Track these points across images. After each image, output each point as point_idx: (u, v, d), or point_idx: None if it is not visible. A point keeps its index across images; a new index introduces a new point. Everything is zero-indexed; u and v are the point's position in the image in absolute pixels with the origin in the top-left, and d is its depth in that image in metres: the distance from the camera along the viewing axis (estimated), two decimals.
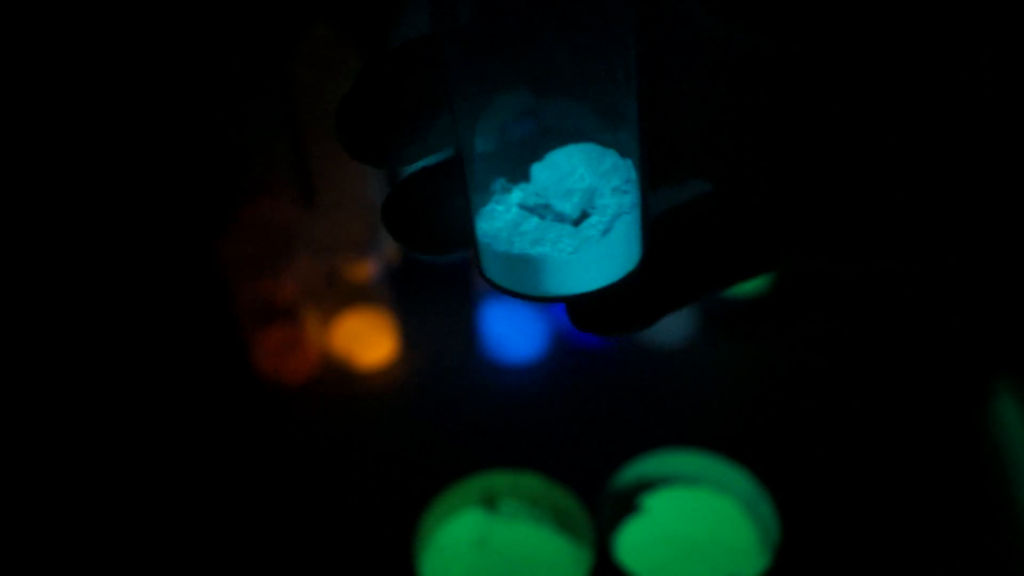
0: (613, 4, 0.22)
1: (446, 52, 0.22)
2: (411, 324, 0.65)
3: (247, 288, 0.59)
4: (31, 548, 0.55)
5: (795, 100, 0.24)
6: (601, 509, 0.51)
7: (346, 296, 0.62)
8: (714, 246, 0.26)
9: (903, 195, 0.26)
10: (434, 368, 0.64)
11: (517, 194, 0.24)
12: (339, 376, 0.63)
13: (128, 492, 0.57)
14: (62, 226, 0.68)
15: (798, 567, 0.51)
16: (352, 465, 0.58)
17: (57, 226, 0.68)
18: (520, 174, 0.24)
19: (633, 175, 0.24)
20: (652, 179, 0.24)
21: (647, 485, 0.53)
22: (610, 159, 0.24)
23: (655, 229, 0.25)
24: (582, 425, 0.60)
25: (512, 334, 0.63)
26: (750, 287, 0.65)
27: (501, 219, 0.24)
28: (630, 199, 0.24)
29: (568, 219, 0.24)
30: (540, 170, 0.24)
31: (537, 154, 0.24)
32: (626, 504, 0.53)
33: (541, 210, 0.24)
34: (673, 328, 0.64)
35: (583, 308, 0.24)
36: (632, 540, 0.52)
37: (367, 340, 0.63)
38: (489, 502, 0.53)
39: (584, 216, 0.24)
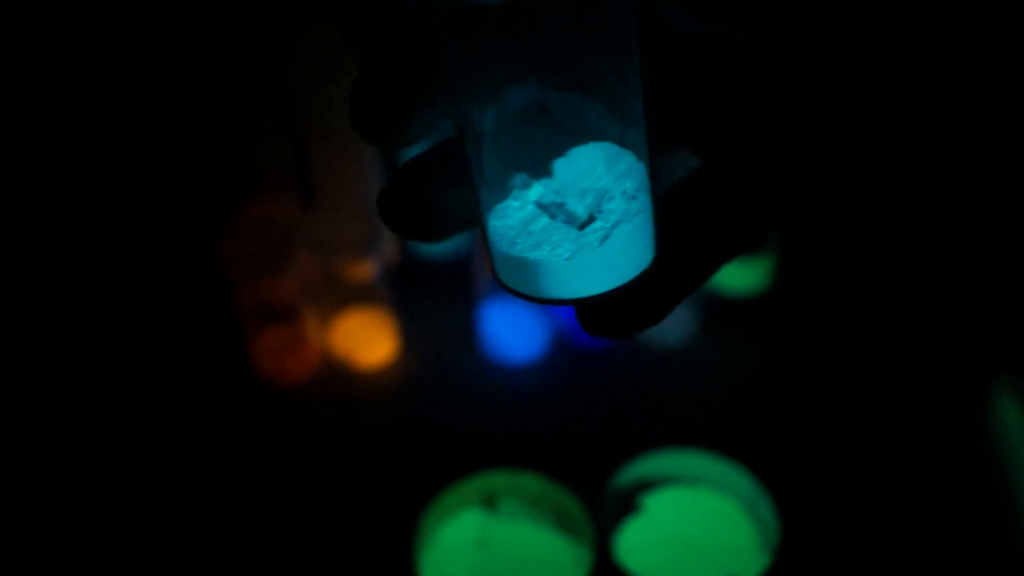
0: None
1: (445, 34, 0.22)
2: (411, 324, 0.65)
3: (247, 288, 0.59)
4: (31, 548, 0.55)
5: (780, 82, 0.25)
6: (601, 509, 0.51)
7: (346, 296, 0.62)
8: (711, 228, 0.26)
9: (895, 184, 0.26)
10: (434, 368, 0.64)
11: (537, 190, 0.24)
12: (339, 376, 0.63)
13: (128, 492, 0.57)
14: (63, 226, 0.68)
15: (798, 567, 0.51)
16: (352, 465, 0.58)
17: (58, 226, 0.68)
18: (539, 170, 0.24)
19: (646, 180, 0.24)
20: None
21: (647, 485, 0.53)
22: (626, 161, 0.24)
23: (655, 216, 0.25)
24: (582, 425, 0.60)
25: (512, 334, 0.63)
26: (750, 287, 0.65)
27: (514, 216, 0.24)
28: (638, 204, 0.24)
29: (577, 221, 0.24)
30: (561, 166, 0.24)
31: (555, 151, 0.24)
32: (626, 504, 0.53)
33: (555, 209, 0.24)
34: (673, 328, 0.64)
35: (591, 311, 0.24)
36: (632, 540, 0.52)
37: (367, 340, 0.63)
38: (489, 502, 0.53)
39: (591, 220, 0.24)
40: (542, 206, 0.24)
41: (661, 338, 0.64)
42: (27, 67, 0.63)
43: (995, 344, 0.62)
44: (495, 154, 0.23)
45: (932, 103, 0.24)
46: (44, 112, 0.66)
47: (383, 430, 0.60)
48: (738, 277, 0.65)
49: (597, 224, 0.24)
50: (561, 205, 0.24)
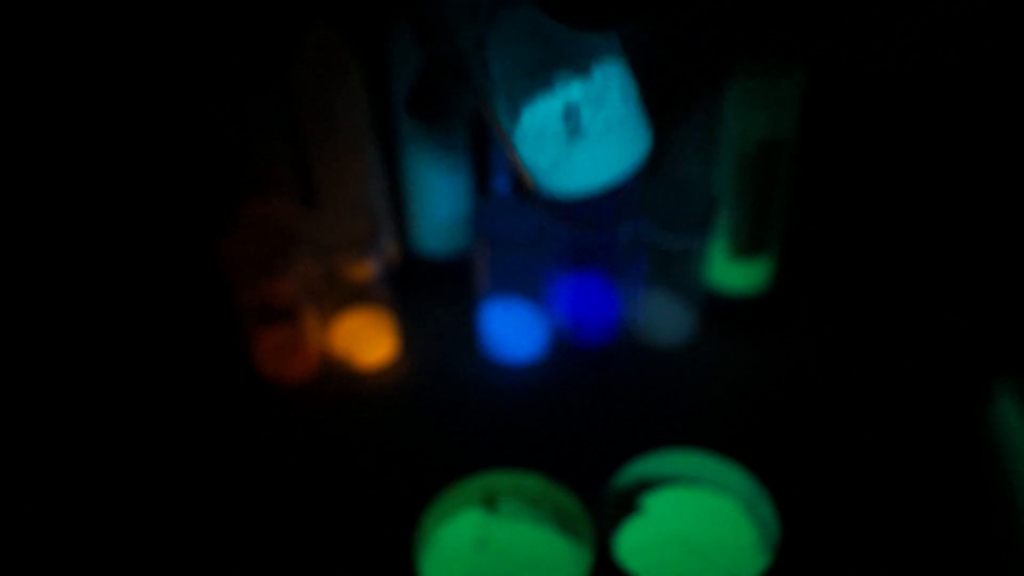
0: None
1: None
2: (411, 324, 0.65)
3: (247, 288, 0.59)
4: (31, 548, 0.55)
5: None
6: (601, 509, 0.51)
7: (346, 296, 0.62)
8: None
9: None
10: (434, 368, 0.64)
11: (577, 88, 0.29)
12: (339, 376, 0.63)
13: (128, 492, 0.57)
14: (63, 226, 0.68)
15: (798, 567, 0.51)
16: (352, 465, 0.58)
17: (58, 226, 0.68)
18: (574, 72, 0.29)
19: (631, 86, 0.30)
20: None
21: (647, 485, 0.53)
22: (630, 82, 0.29)
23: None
24: (582, 425, 0.60)
25: (512, 334, 0.63)
26: (750, 287, 0.65)
27: (542, 112, 0.29)
28: (629, 108, 0.30)
29: (577, 130, 0.29)
30: (596, 72, 0.28)
31: (579, 63, 0.28)
32: (626, 504, 0.53)
33: (574, 112, 0.29)
34: (673, 328, 0.64)
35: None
36: (632, 540, 0.52)
37: (367, 340, 0.64)
38: (489, 502, 0.53)
39: (584, 129, 0.29)
40: (570, 106, 0.29)
41: (661, 338, 0.64)
42: (28, 67, 0.63)
43: (995, 344, 0.63)
44: (511, 62, 0.29)
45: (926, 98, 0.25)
46: (45, 112, 0.66)
47: (383, 430, 0.60)
48: (738, 277, 0.65)
49: (590, 132, 0.29)
50: (578, 110, 0.29)
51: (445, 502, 0.52)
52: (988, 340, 0.63)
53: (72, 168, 0.68)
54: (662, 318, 0.64)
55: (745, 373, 0.63)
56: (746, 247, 0.63)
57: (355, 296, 0.62)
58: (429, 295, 0.67)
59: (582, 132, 0.30)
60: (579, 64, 0.29)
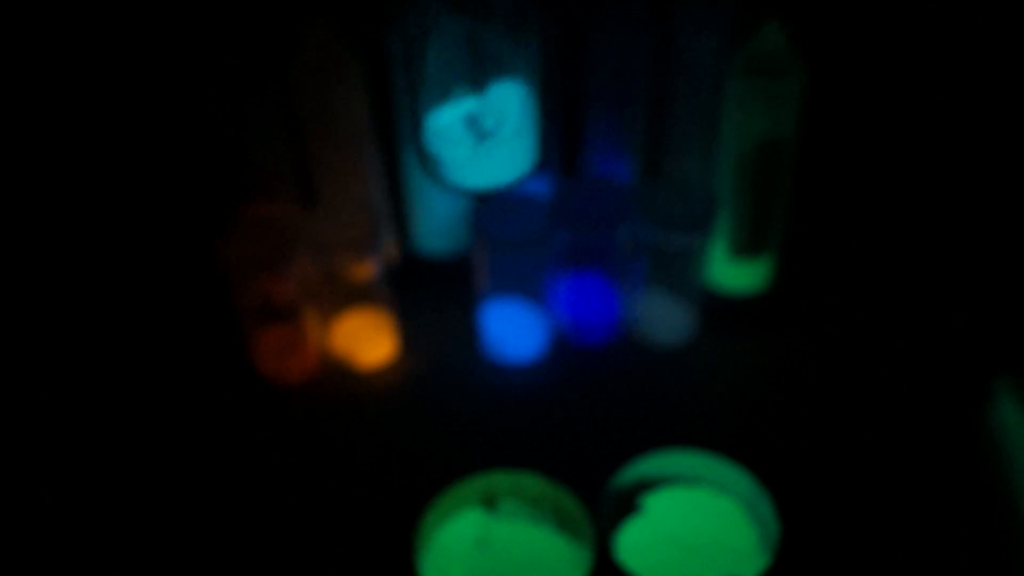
0: None
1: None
2: (411, 324, 0.65)
3: (247, 288, 0.59)
4: (31, 548, 0.55)
5: None
6: (601, 509, 0.51)
7: (346, 296, 0.62)
8: None
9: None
10: (434, 368, 0.64)
11: (471, 102, 0.34)
12: (339, 376, 0.63)
13: (128, 492, 0.57)
14: (63, 226, 0.68)
15: (798, 567, 0.51)
16: (352, 465, 0.58)
17: (58, 226, 0.68)
18: (473, 88, 0.34)
19: (536, 107, 0.35)
20: None
21: (647, 485, 0.53)
22: (531, 97, 0.34)
23: None
24: (582, 425, 0.60)
25: (512, 334, 0.63)
26: (750, 287, 0.65)
27: (445, 118, 0.35)
28: (527, 125, 0.35)
29: (482, 134, 0.34)
30: (493, 92, 0.34)
31: (480, 80, 0.33)
32: (626, 504, 0.53)
33: (471, 122, 0.35)
34: (673, 328, 0.64)
35: None
36: (632, 540, 0.52)
37: (367, 340, 0.64)
38: (489, 502, 0.53)
39: (490, 134, 0.34)
40: (468, 117, 0.34)
41: (661, 338, 0.64)
42: (28, 67, 0.63)
43: (995, 344, 0.63)
44: (436, 71, 0.33)
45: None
46: (45, 112, 0.66)
47: (383, 430, 0.60)
48: (738, 277, 0.65)
49: (492, 137, 0.34)
50: (475, 120, 0.34)
51: (445, 502, 0.52)
52: (988, 340, 0.63)
53: (72, 168, 0.68)
54: (662, 318, 0.64)
55: (745, 373, 0.63)
56: (746, 247, 0.63)
57: (355, 296, 0.62)
58: (429, 295, 0.67)
59: (486, 138, 0.35)
60: (480, 81, 0.34)
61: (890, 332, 0.64)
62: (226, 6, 0.58)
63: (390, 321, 0.64)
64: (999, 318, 0.64)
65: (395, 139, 0.61)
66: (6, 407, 0.61)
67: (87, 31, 0.63)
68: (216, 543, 0.55)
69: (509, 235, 0.57)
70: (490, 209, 0.59)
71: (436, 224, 0.65)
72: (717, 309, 0.65)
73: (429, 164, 0.37)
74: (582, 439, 0.59)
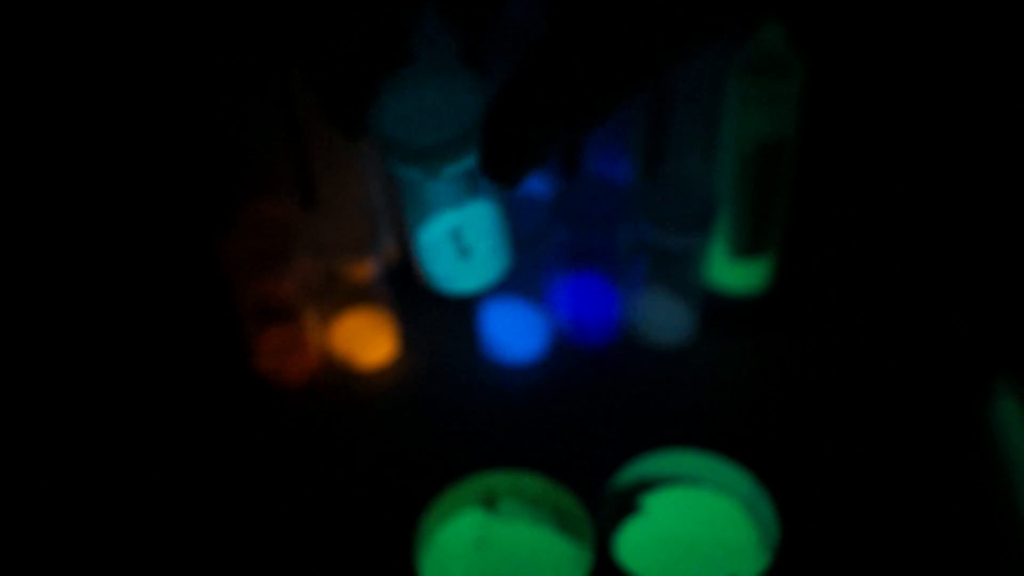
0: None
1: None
2: (411, 324, 0.65)
3: (247, 288, 0.59)
4: (31, 548, 0.55)
5: None
6: (601, 509, 0.51)
7: (346, 296, 0.62)
8: None
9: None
10: (434, 368, 0.64)
11: (452, 217, 0.40)
12: (339, 376, 0.63)
13: (127, 492, 0.57)
14: (62, 226, 0.68)
15: (798, 567, 0.51)
16: (352, 465, 0.58)
17: (57, 226, 0.68)
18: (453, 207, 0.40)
19: (505, 224, 0.42)
20: None
21: (647, 485, 0.53)
22: (500, 217, 0.41)
23: None
24: (582, 425, 0.60)
25: (512, 334, 0.63)
26: (750, 287, 0.65)
27: (432, 233, 0.41)
28: (499, 241, 0.42)
29: (463, 249, 0.41)
30: (469, 211, 0.40)
31: (465, 200, 0.40)
32: (626, 504, 0.53)
33: (454, 238, 0.41)
34: (673, 328, 0.64)
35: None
36: (632, 540, 0.52)
37: (367, 340, 0.64)
38: (489, 502, 0.53)
39: (470, 249, 0.41)
40: (453, 233, 0.41)
41: (661, 338, 0.64)
42: (27, 66, 0.63)
43: (995, 344, 0.63)
44: (427, 198, 0.40)
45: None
46: (44, 111, 0.66)
47: (383, 430, 0.60)
48: (738, 277, 0.65)
49: (473, 251, 0.41)
50: (458, 236, 0.41)
51: (445, 502, 0.52)
52: (989, 340, 0.63)
53: (72, 168, 0.68)
54: (662, 318, 0.64)
55: (745, 373, 0.63)
56: (746, 247, 0.63)
57: (355, 296, 0.62)
58: (429, 295, 0.67)
59: (468, 251, 0.42)
60: (463, 200, 0.40)
61: (890, 332, 0.64)
62: (226, 6, 0.58)
63: (390, 321, 0.64)
64: (999, 318, 0.64)
65: None
66: (4, 407, 0.61)
67: (86, 30, 0.63)
68: (216, 543, 0.55)
69: (509, 235, 0.57)
70: None
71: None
72: (717, 309, 0.65)
73: (421, 271, 0.43)
74: (582, 439, 0.59)
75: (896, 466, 0.57)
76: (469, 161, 0.36)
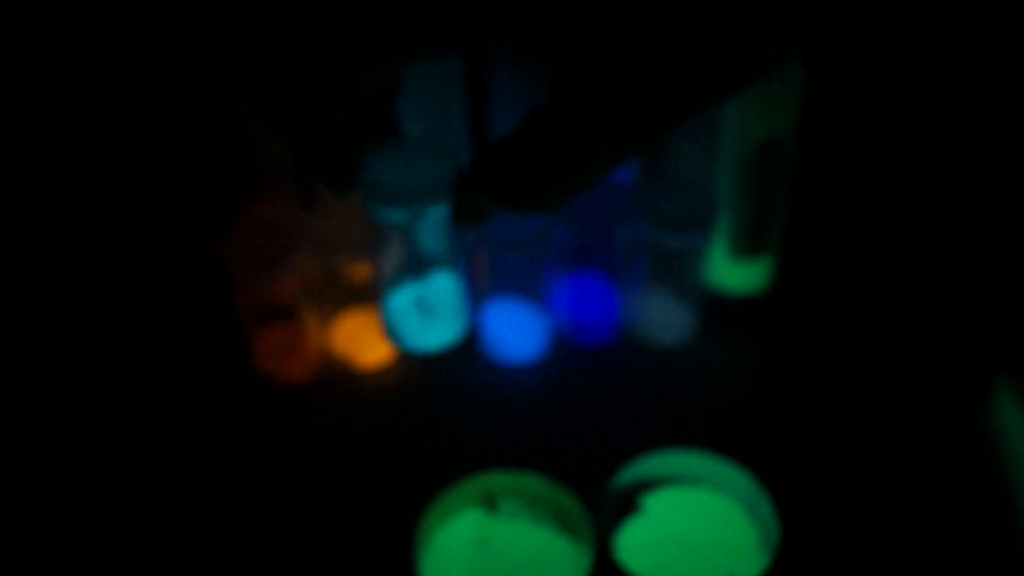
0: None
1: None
2: None
3: (247, 288, 0.59)
4: (30, 548, 0.55)
5: None
6: (601, 509, 0.51)
7: (346, 296, 0.62)
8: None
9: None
10: (434, 368, 0.64)
11: (418, 286, 0.49)
12: (339, 376, 0.63)
13: (127, 492, 0.57)
14: (61, 226, 0.68)
15: (798, 567, 0.51)
16: (352, 465, 0.58)
17: (56, 226, 0.68)
18: (421, 279, 0.50)
19: (463, 288, 0.51)
20: None
21: (647, 485, 0.53)
22: (456, 281, 0.50)
23: None
24: (582, 425, 0.60)
25: (512, 334, 0.63)
26: (750, 287, 0.65)
27: (400, 300, 0.50)
28: (458, 304, 0.51)
29: (425, 311, 0.50)
30: (433, 280, 0.49)
31: (426, 272, 0.49)
32: (626, 504, 0.53)
33: (420, 301, 0.50)
34: (673, 328, 0.64)
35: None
36: (632, 540, 0.52)
37: (367, 340, 0.64)
38: (489, 502, 0.53)
39: (431, 309, 0.50)
40: (419, 299, 0.49)
41: (661, 338, 0.64)
42: (26, 66, 0.63)
43: (995, 344, 0.63)
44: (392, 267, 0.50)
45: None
46: (43, 111, 0.66)
47: (383, 430, 0.60)
48: (738, 277, 0.65)
49: (434, 313, 0.49)
50: (423, 300, 0.49)
51: (445, 502, 0.52)
52: (988, 340, 0.63)
53: (71, 168, 0.68)
54: (662, 318, 0.64)
55: (745, 373, 0.63)
56: (746, 247, 0.63)
57: (355, 296, 0.62)
58: None
59: (431, 314, 0.49)
60: (426, 271, 0.48)
61: (890, 332, 0.64)
62: (226, 6, 0.58)
63: None
64: (998, 318, 0.64)
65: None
66: (4, 407, 0.61)
67: (86, 29, 0.63)
68: (216, 543, 0.55)
69: (509, 234, 0.57)
70: None
71: None
72: (717, 309, 0.65)
73: (386, 329, 0.52)
74: (582, 439, 0.59)
75: (896, 466, 0.57)
76: (441, 209, 0.43)
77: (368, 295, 0.62)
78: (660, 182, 0.61)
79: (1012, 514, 0.55)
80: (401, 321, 0.51)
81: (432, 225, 0.46)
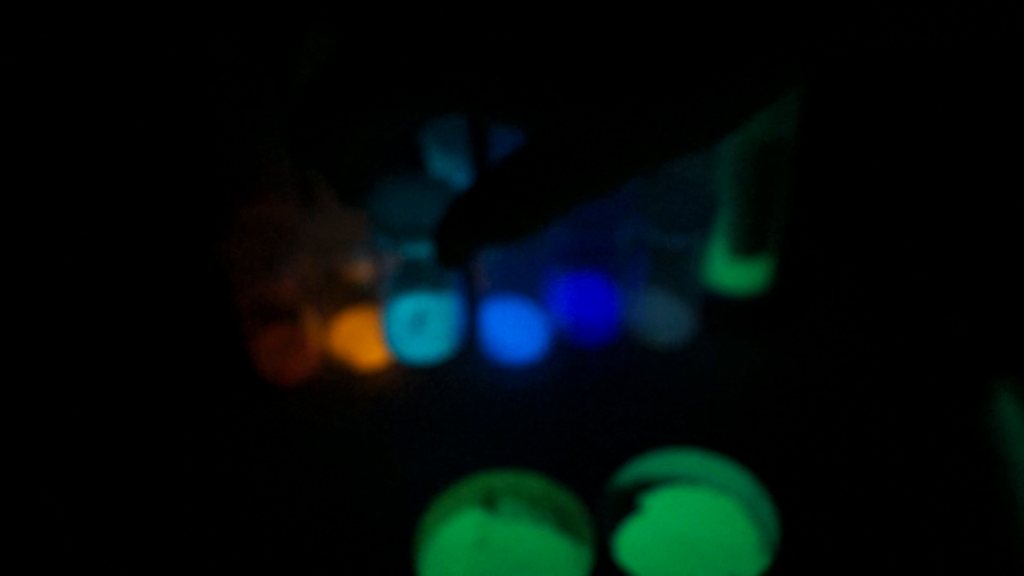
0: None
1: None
2: None
3: (247, 288, 0.59)
4: (30, 548, 0.55)
5: None
6: (601, 509, 0.51)
7: (346, 296, 0.62)
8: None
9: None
10: (434, 368, 0.64)
11: (419, 301, 0.53)
12: (339, 376, 0.63)
13: (127, 492, 0.57)
14: (61, 227, 0.68)
15: (798, 567, 0.51)
16: (352, 465, 0.58)
17: (56, 227, 0.68)
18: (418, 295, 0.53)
19: (459, 307, 0.54)
20: None
21: (647, 485, 0.53)
22: (454, 300, 0.53)
23: None
24: (582, 425, 0.60)
25: (512, 334, 0.63)
26: (750, 287, 0.65)
27: (400, 311, 0.54)
28: (453, 321, 0.54)
29: (421, 325, 0.53)
30: (430, 296, 0.52)
31: (423, 290, 0.53)
32: (626, 504, 0.53)
33: (417, 316, 0.53)
34: (673, 328, 0.64)
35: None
36: (632, 540, 0.52)
37: (367, 340, 0.64)
38: (489, 502, 0.53)
39: (425, 323, 0.53)
40: (417, 310, 0.53)
41: (661, 338, 0.64)
42: (25, 66, 0.63)
43: (995, 344, 0.63)
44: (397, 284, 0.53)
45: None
46: (42, 112, 0.66)
47: (383, 430, 0.60)
48: (738, 277, 0.65)
49: (428, 328, 0.53)
50: (422, 316, 0.53)
51: (445, 502, 0.52)
52: (988, 340, 0.63)
53: (70, 168, 0.68)
54: (662, 318, 0.64)
55: (745, 373, 0.63)
56: (746, 247, 0.63)
57: (355, 296, 0.62)
58: None
59: (424, 329, 0.53)
60: (427, 287, 0.52)
61: (890, 332, 0.64)
62: (226, 6, 0.58)
63: None
64: (999, 318, 0.64)
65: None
66: (4, 407, 0.61)
67: (86, 30, 0.63)
68: (215, 543, 0.55)
69: None
70: None
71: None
72: (717, 309, 0.65)
73: (383, 335, 0.55)
74: (582, 439, 0.59)
75: (896, 466, 0.57)
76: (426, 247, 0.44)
77: (368, 295, 0.62)
78: (660, 182, 0.61)
79: (1012, 514, 0.55)
80: (396, 332, 0.53)
81: (429, 255, 0.48)
